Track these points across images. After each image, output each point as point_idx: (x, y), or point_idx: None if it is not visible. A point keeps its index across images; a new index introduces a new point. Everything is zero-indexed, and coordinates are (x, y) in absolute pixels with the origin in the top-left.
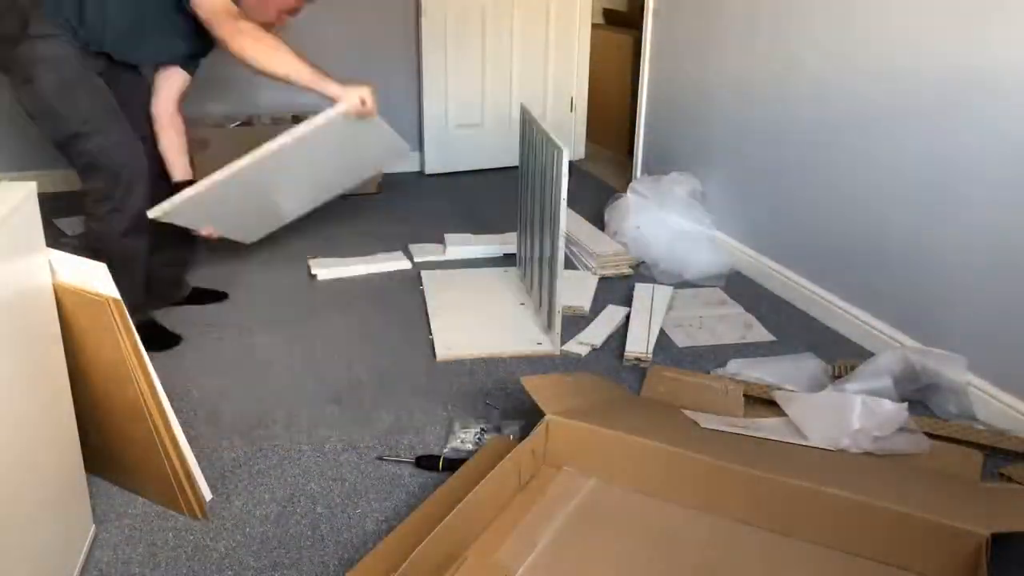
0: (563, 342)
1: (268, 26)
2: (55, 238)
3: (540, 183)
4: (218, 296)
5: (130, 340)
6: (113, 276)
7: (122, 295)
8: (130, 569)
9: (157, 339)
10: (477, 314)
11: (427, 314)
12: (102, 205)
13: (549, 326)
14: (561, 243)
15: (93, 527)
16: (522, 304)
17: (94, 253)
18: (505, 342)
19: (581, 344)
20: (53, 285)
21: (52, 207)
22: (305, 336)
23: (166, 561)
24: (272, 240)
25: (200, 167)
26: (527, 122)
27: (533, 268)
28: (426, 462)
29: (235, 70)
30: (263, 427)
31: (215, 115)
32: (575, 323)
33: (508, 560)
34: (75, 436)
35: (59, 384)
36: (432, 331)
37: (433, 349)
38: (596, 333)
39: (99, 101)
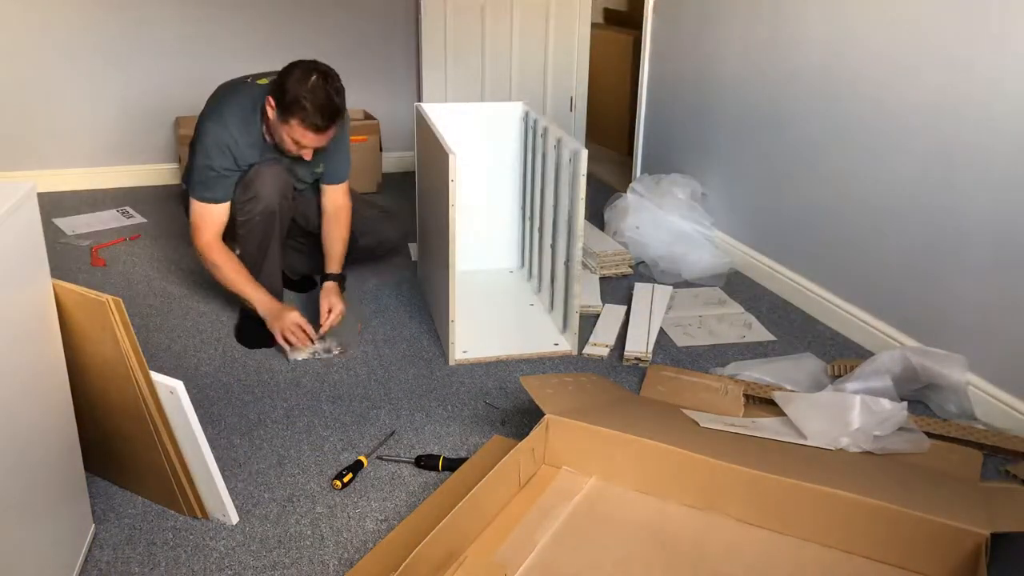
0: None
1: (288, 153)
2: (55, 238)
3: (553, 184)
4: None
5: (130, 339)
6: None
7: None
8: (130, 568)
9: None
10: (488, 316)
11: (429, 314)
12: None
13: (565, 326)
14: (579, 244)
15: (93, 526)
16: (531, 305)
17: None
18: (522, 344)
19: (596, 346)
20: (53, 285)
21: (52, 207)
22: None
23: (165, 561)
24: None
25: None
26: (532, 123)
27: (542, 269)
28: (426, 462)
29: (236, 67)
30: (263, 427)
31: None
32: (585, 322)
33: (508, 560)
34: (75, 436)
35: (59, 383)
36: (449, 334)
37: (434, 349)
38: (606, 333)
39: None
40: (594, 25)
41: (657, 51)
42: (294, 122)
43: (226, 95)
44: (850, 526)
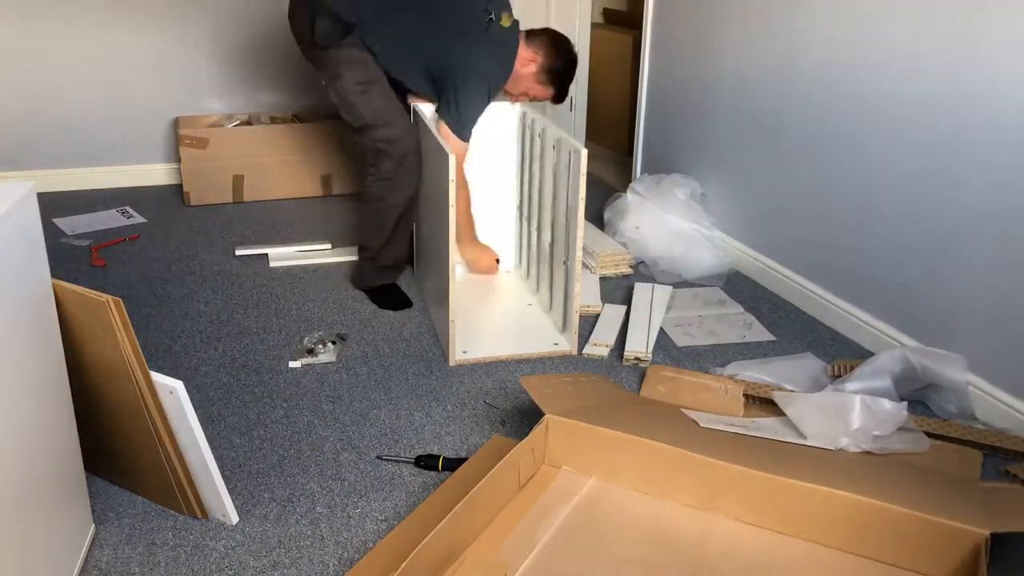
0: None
1: (513, 98)
2: (55, 238)
3: (552, 184)
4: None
5: (130, 339)
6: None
7: (387, 251)
8: (129, 568)
9: (396, 299)
10: (486, 316)
11: (429, 314)
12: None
13: (564, 326)
14: (579, 244)
15: (93, 526)
16: (529, 305)
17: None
18: (521, 343)
19: (595, 346)
20: (53, 285)
21: (52, 207)
22: (300, 334)
23: (165, 560)
24: (265, 235)
25: (199, 165)
26: (531, 123)
27: (540, 268)
28: (426, 462)
29: (236, 67)
30: (263, 427)
31: (214, 113)
32: (584, 322)
33: (507, 560)
34: (75, 436)
35: (59, 384)
36: (449, 334)
37: (434, 349)
38: (606, 333)
39: (390, 100)
40: (594, 25)
41: (657, 51)
42: None
43: None
44: (850, 526)
